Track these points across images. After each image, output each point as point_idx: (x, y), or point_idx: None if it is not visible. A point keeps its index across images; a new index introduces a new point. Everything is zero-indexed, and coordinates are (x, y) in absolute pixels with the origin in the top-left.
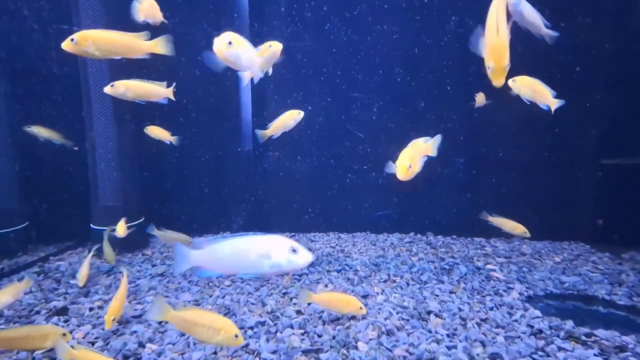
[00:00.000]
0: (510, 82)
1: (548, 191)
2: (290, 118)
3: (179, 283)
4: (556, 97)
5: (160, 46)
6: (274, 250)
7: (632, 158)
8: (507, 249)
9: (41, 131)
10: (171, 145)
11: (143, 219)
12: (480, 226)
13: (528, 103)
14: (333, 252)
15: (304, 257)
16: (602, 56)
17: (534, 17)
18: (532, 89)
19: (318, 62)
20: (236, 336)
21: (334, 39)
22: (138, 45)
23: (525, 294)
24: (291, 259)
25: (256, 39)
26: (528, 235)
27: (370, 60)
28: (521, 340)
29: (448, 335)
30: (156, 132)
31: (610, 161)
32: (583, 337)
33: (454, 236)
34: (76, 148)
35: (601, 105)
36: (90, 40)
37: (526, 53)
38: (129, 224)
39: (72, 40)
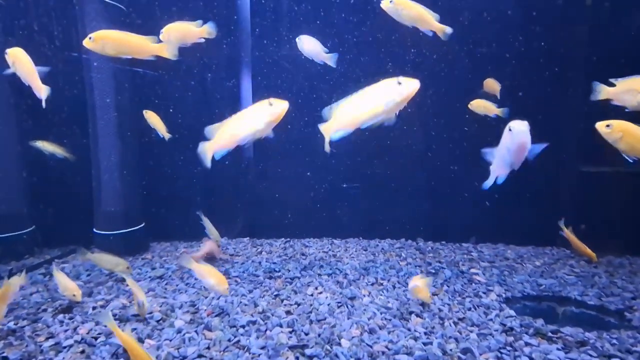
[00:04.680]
0: (469, 105)
1: (533, 197)
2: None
3: (177, 285)
4: (501, 107)
5: (165, 50)
6: None
7: (611, 166)
8: (491, 254)
9: (46, 146)
10: (170, 152)
11: (143, 224)
12: (468, 232)
13: (483, 115)
14: (325, 256)
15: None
16: (584, 62)
17: (313, 49)
18: (483, 107)
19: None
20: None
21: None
22: (146, 47)
23: (504, 295)
24: None
25: (259, 48)
26: (594, 260)
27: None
28: (492, 337)
29: (425, 333)
30: (153, 119)
31: (590, 169)
32: (549, 334)
33: (443, 242)
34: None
35: (582, 113)
36: (105, 40)
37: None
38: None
39: (90, 38)
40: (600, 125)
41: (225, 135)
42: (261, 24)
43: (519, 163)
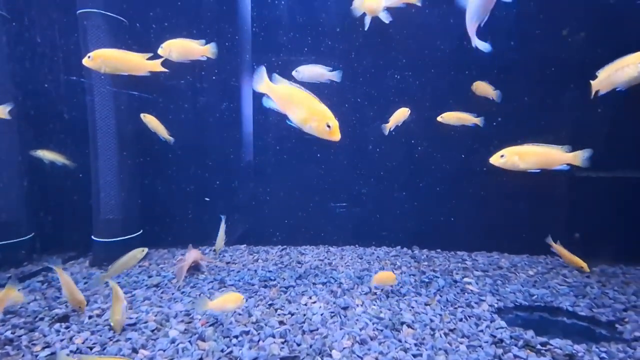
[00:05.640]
0: (439, 118)
1: (527, 205)
2: (402, 115)
3: (173, 294)
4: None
5: (159, 66)
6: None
7: (607, 171)
8: (486, 263)
9: (46, 154)
10: (168, 160)
11: (141, 231)
12: (463, 240)
13: (458, 126)
14: (321, 265)
15: None
16: (580, 68)
17: (315, 72)
18: (457, 117)
19: None
20: (329, 126)
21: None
22: (141, 64)
23: (496, 305)
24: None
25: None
26: (586, 270)
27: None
28: (482, 349)
29: (416, 345)
30: (153, 123)
31: (585, 174)
32: (538, 346)
33: (438, 250)
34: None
35: (578, 121)
36: (103, 58)
37: (502, 67)
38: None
39: (89, 57)
40: (495, 159)
41: None
42: (261, 46)
43: (487, 13)
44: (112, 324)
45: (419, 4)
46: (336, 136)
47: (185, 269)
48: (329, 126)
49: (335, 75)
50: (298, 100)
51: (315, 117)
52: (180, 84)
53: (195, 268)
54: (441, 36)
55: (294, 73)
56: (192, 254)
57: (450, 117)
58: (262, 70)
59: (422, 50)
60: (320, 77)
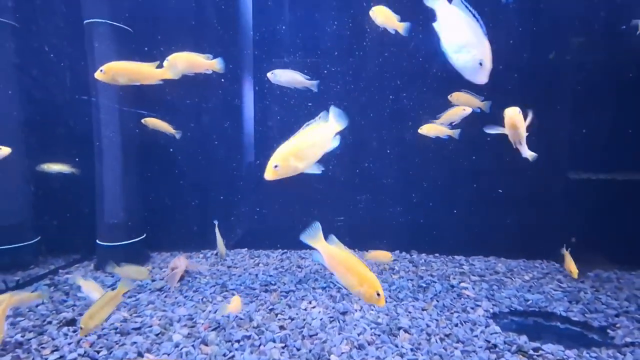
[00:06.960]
0: (419, 130)
1: (524, 210)
2: (456, 113)
3: (176, 298)
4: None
5: (168, 72)
6: None
7: (602, 173)
8: (482, 268)
9: (51, 167)
10: (171, 165)
11: (145, 235)
12: (461, 245)
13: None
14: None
15: None
16: (574, 71)
17: (293, 77)
18: (435, 130)
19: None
20: (378, 294)
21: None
22: (152, 72)
23: (491, 310)
24: None
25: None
26: (574, 275)
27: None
28: (476, 354)
29: (412, 350)
30: (157, 124)
31: (582, 176)
32: (531, 351)
33: (436, 254)
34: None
35: (573, 123)
36: (114, 70)
37: (504, 72)
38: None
39: (101, 70)
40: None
41: None
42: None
43: None
44: (82, 325)
45: (403, 33)
46: (383, 303)
47: (177, 277)
48: (378, 294)
49: (312, 85)
50: (350, 266)
51: (366, 285)
52: (182, 94)
53: (185, 273)
54: (433, 56)
55: (269, 75)
56: (183, 262)
57: (429, 130)
58: (318, 227)
59: (414, 70)
60: (297, 84)
